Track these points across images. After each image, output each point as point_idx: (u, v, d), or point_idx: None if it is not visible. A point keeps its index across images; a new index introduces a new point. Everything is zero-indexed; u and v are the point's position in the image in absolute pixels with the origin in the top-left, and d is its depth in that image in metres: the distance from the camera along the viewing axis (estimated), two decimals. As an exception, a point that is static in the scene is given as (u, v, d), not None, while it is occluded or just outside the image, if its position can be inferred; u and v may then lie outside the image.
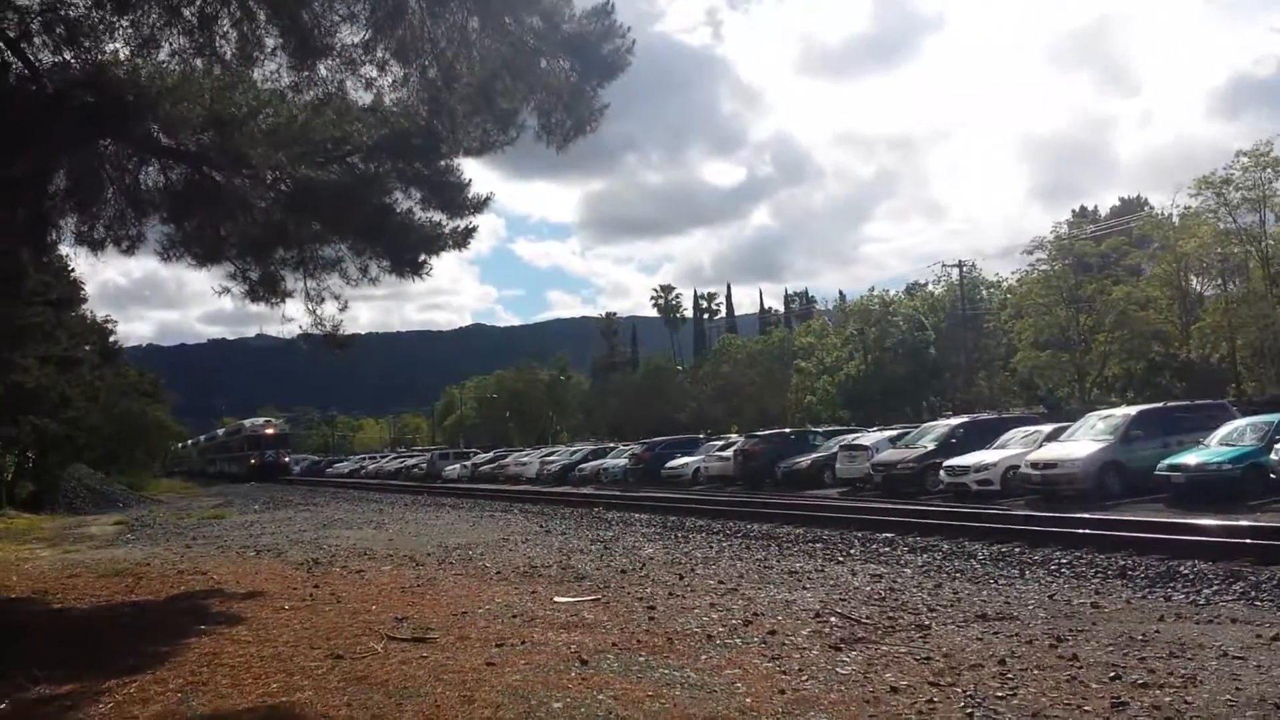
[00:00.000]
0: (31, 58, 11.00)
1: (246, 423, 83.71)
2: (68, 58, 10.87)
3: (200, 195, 12.16)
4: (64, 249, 15.95)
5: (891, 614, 8.74)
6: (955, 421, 28.45)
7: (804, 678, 6.44)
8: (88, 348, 42.93)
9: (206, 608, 10.72)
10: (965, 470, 22.57)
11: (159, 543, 20.18)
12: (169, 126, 10.86)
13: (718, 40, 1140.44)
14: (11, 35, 10.84)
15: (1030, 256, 49.07)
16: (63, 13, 10.47)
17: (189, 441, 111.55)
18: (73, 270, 34.72)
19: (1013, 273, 58.07)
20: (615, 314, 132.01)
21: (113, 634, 9.21)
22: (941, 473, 23.32)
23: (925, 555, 12.93)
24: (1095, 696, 5.86)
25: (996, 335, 57.23)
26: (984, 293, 61.36)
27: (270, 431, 79.24)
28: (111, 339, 52.01)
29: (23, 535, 23.71)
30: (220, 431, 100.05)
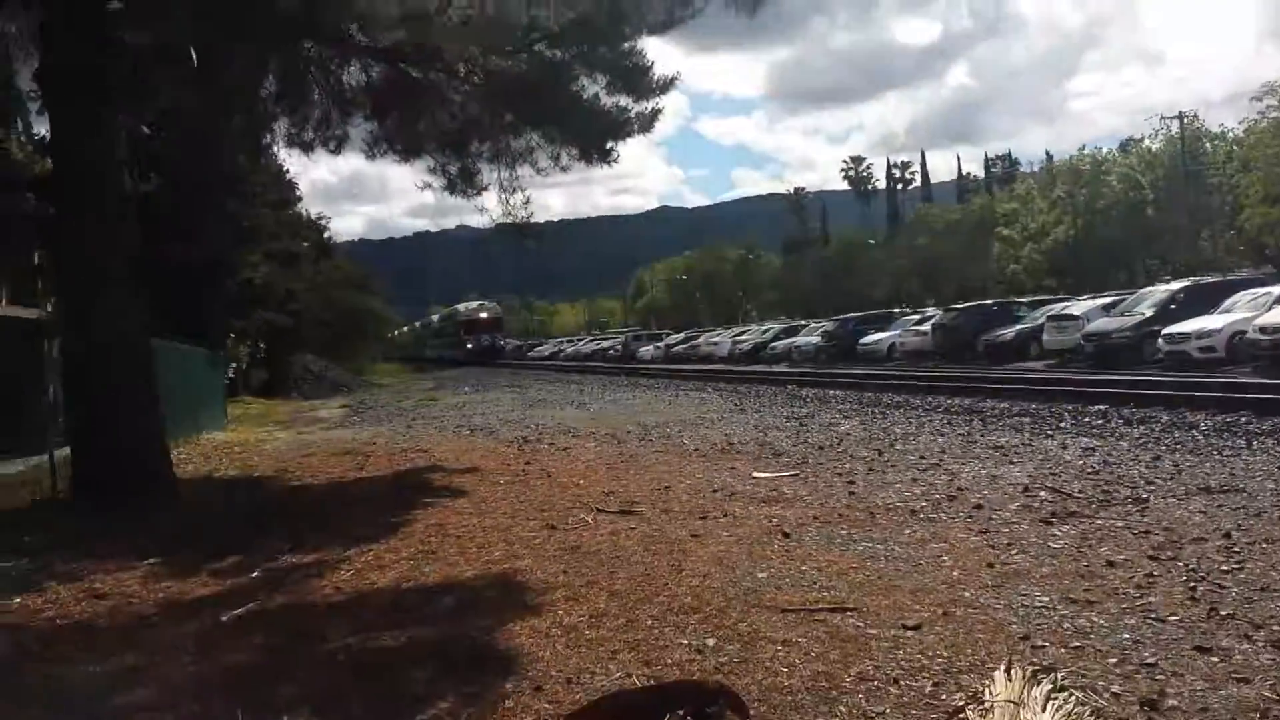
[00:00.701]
0: (238, -35, 11.53)
1: (461, 307, 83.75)
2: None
3: (399, 92, 12.60)
4: (278, 152, 17.00)
5: (1106, 488, 8.41)
6: (1175, 286, 26.57)
7: (1014, 551, 6.33)
8: (306, 244, 45.79)
9: (430, 482, 11.52)
10: (1186, 337, 21.18)
11: (382, 423, 21.68)
12: (365, 24, 11.23)
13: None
14: (219, -55, 11.37)
15: (1259, 104, 44.41)
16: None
17: (402, 329, 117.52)
18: (287, 172, 36.95)
19: (1240, 122, 52.74)
20: (804, 189, 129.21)
21: (348, 507, 10.03)
22: (1160, 341, 21.97)
23: (1142, 427, 12.30)
24: (1333, 571, 5.51)
25: (1221, 192, 52.46)
26: (1207, 146, 55.94)
27: (485, 315, 79.36)
28: (326, 235, 55.14)
29: (260, 419, 25.94)
30: (435, 317, 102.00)
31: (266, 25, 10.79)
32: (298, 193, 42.39)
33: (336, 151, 14.10)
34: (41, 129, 13.32)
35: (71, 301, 10.98)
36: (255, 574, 7.01)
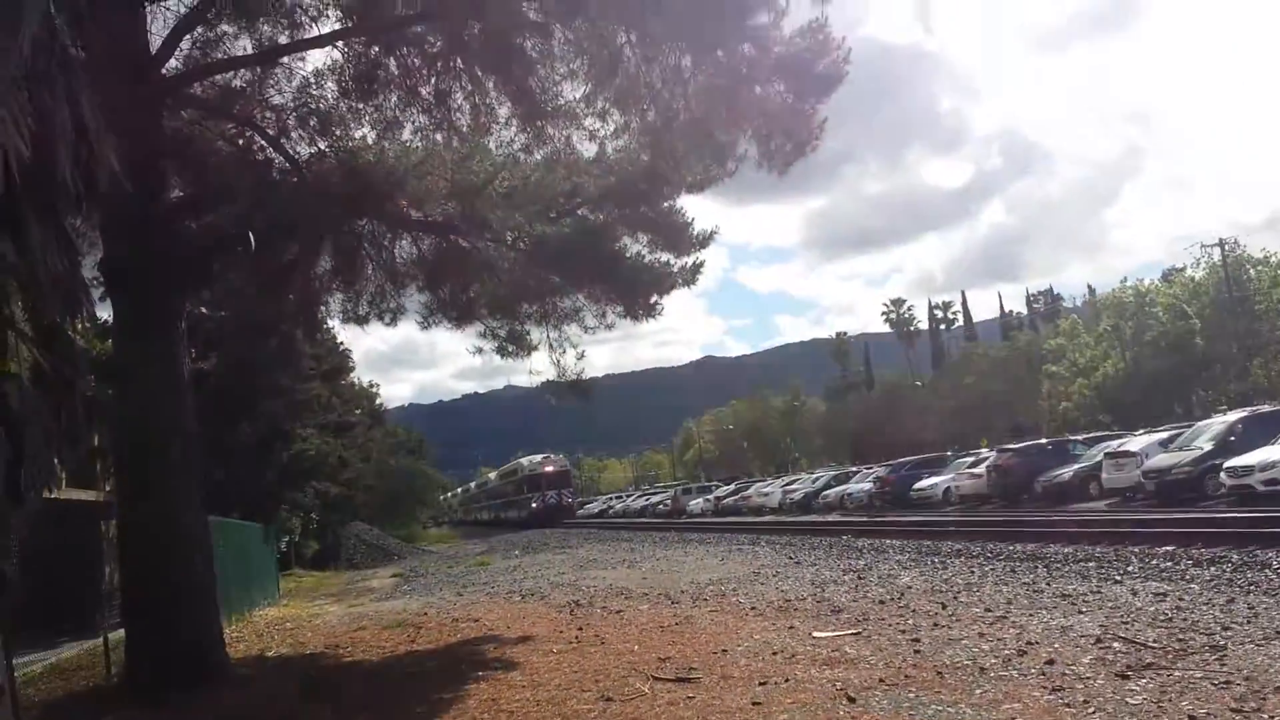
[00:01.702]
0: (290, 151, 12.23)
1: (524, 461, 73.88)
2: (322, 147, 12.03)
3: (450, 262, 13.07)
4: (332, 326, 17.53)
5: (1181, 635, 8.07)
6: (1233, 417, 25.93)
7: (1090, 710, 6.05)
8: (358, 412, 46.60)
9: (482, 654, 11.30)
10: (1249, 470, 20.54)
11: (433, 592, 21.47)
12: (417, 200, 11.75)
13: (928, 35, 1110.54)
14: (271, 133, 12.10)
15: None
16: (314, 106, 11.61)
17: (454, 491, 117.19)
18: (341, 343, 38.00)
19: (1282, 245, 52.64)
20: (845, 333, 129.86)
21: (400, 684, 9.87)
22: (1222, 475, 21.34)
23: (1213, 568, 11.85)
24: None
25: (1270, 317, 51.78)
26: (1251, 271, 55.50)
27: (551, 469, 69.72)
28: (378, 402, 56.17)
29: (311, 592, 25.85)
30: (492, 475, 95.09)
31: (321, 207, 11.31)
32: (351, 363, 43.41)
33: (391, 323, 14.58)
34: (104, 314, 13.89)
35: (129, 483, 11.19)
36: (307, 759, 6.86)
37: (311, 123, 11.84)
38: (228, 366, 27.46)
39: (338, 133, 11.86)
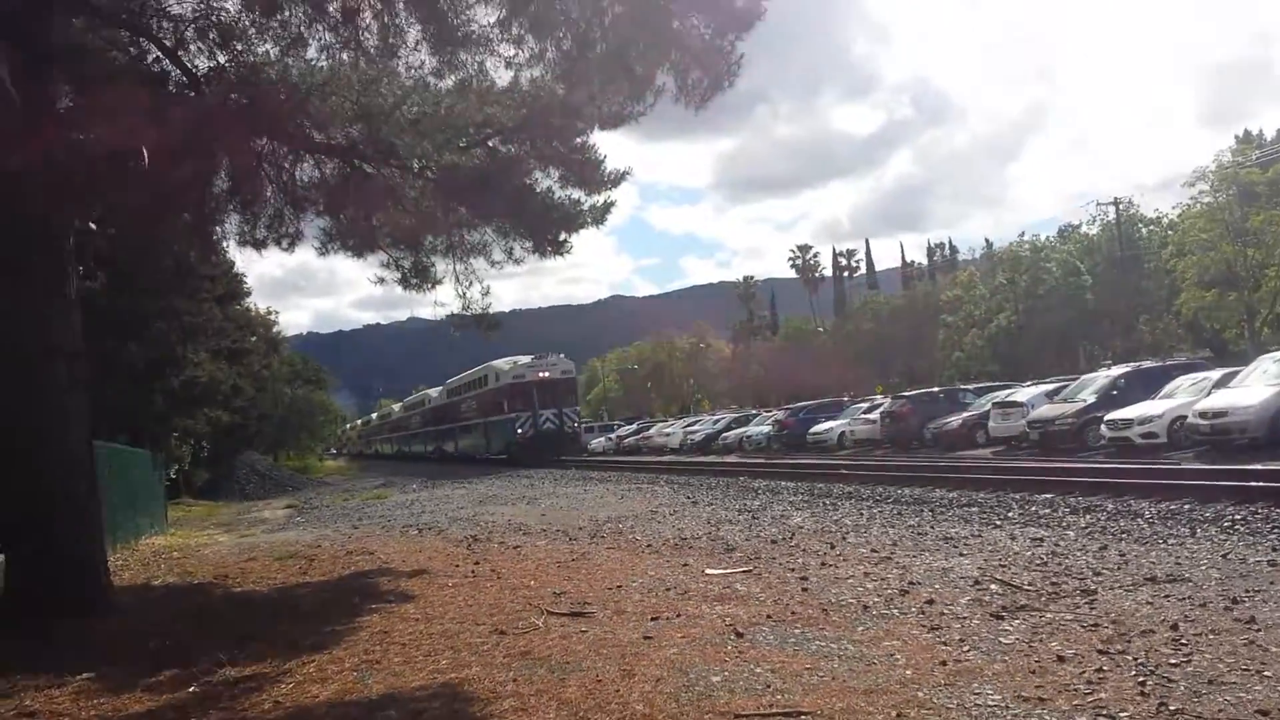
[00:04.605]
0: (189, 64, 11.64)
1: (503, 364, 48.85)
2: (222, 61, 11.48)
3: (353, 188, 12.65)
4: (227, 248, 16.87)
5: (1055, 579, 8.47)
6: (1116, 372, 27.14)
7: (965, 648, 6.32)
8: (254, 339, 45.29)
9: (376, 586, 11.24)
10: (1128, 423, 21.57)
11: (327, 524, 21.24)
12: (320, 122, 11.31)
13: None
14: (168, 44, 11.49)
15: (1192, 189, 45.61)
16: (215, 18, 11.06)
17: (366, 418, 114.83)
18: (235, 265, 36.76)
19: (1174, 207, 54.43)
20: (752, 277, 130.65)
21: (291, 615, 9.73)
22: (1103, 427, 22.38)
23: (1088, 516, 12.44)
24: (1275, 661, 5.56)
25: (1158, 276, 53.76)
26: (1143, 231, 57.46)
27: (546, 375, 46.51)
28: (275, 329, 54.57)
29: (201, 522, 25.31)
30: (433, 392, 70.53)
31: (219, 124, 10.84)
32: (246, 287, 41.98)
33: (289, 249, 14.05)
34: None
35: (9, 402, 10.71)
36: (192, 689, 6.76)
37: (211, 36, 11.27)
38: (117, 286, 26.36)
39: (239, 47, 11.32)
